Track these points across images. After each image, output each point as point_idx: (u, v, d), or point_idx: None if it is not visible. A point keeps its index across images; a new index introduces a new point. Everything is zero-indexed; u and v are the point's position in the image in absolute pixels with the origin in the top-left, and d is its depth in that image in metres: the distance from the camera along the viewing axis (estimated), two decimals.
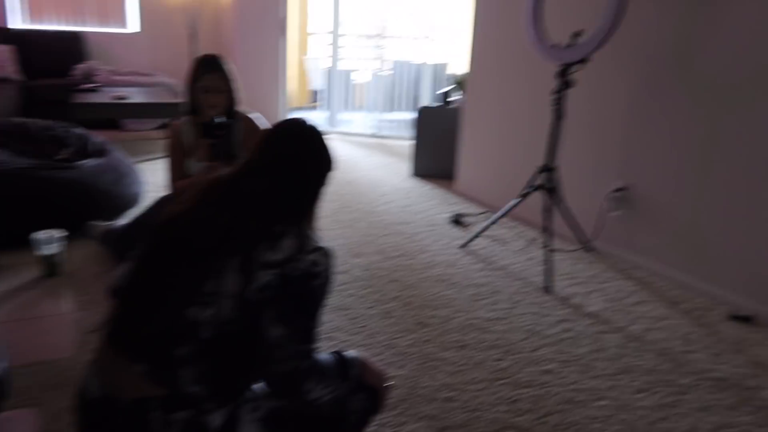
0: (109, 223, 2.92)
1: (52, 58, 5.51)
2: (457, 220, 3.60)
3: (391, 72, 7.01)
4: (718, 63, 2.60)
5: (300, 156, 1.24)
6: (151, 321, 1.10)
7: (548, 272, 2.74)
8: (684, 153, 2.78)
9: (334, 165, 1.30)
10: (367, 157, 5.39)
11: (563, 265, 2.99)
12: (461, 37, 5.67)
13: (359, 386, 1.31)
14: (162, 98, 4.92)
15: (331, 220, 3.50)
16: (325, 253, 1.16)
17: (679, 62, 2.76)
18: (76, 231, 2.81)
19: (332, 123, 6.77)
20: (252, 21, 6.10)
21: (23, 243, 2.57)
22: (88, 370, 1.17)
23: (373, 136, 6.40)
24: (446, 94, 4.68)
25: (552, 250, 2.84)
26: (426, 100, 6.66)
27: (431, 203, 3.99)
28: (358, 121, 7.17)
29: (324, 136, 1.29)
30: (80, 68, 5.39)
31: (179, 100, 3.00)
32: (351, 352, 1.34)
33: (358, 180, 4.49)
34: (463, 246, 3.19)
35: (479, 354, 2.14)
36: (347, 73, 7.22)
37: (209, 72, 2.36)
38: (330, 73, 6.80)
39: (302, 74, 7.82)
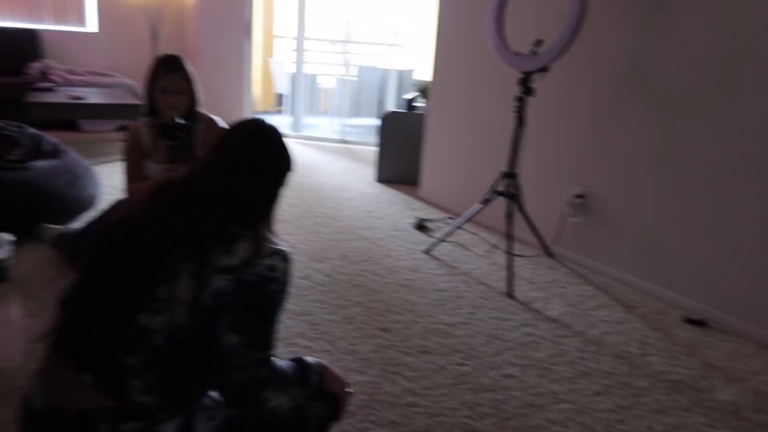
0: (63, 226, 2.83)
1: (5, 55, 5.31)
2: (421, 226, 3.61)
3: (356, 78, 7.01)
4: (672, 75, 2.68)
5: (257, 157, 1.21)
6: (99, 329, 1.05)
7: (510, 277, 2.77)
8: (640, 161, 2.85)
9: (292, 166, 1.27)
10: (332, 162, 5.37)
11: (525, 270, 3.02)
12: (427, 43, 5.71)
13: (320, 393, 1.29)
14: (121, 99, 4.81)
15: (294, 225, 3.46)
16: (282, 257, 1.13)
17: (636, 74, 2.83)
18: (27, 234, 2.71)
19: (297, 127, 6.72)
20: (216, 22, 6.01)
21: None
22: (33, 380, 1.12)
23: (338, 141, 6.38)
24: (411, 100, 4.70)
25: (513, 256, 2.87)
26: (392, 106, 6.68)
27: (395, 209, 4.00)
28: (324, 126, 7.15)
29: (282, 137, 1.26)
30: (35, 67, 5.21)
31: (139, 101, 2.93)
32: (311, 359, 1.32)
33: (322, 185, 4.46)
34: (427, 251, 3.20)
35: (441, 359, 2.14)
36: (313, 77, 7.19)
37: (169, 72, 2.31)
38: (295, 77, 6.76)
39: (267, 77, 7.74)
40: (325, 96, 7.70)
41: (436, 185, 4.21)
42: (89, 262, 1.13)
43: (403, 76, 6.99)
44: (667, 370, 2.20)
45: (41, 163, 3.10)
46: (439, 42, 4.08)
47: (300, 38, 6.51)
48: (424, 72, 5.92)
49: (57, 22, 6.03)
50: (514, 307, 2.62)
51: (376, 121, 4.87)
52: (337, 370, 1.36)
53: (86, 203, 3.22)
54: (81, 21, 6.12)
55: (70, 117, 4.86)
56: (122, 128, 4.52)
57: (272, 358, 1.15)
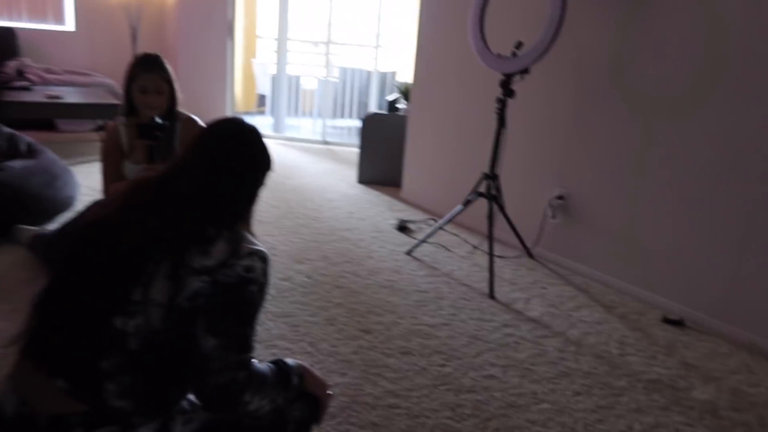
0: (39, 227, 2.78)
1: None
2: (403, 227, 3.61)
3: (338, 79, 6.99)
4: (651, 78, 2.72)
5: (235, 156, 1.19)
6: (73, 332, 1.03)
7: (491, 278, 2.78)
8: (619, 163, 2.88)
9: (271, 166, 1.26)
10: (314, 163, 5.35)
11: (506, 271, 3.04)
12: (409, 45, 5.72)
13: (300, 395, 1.28)
14: (100, 98, 4.75)
15: (275, 226, 3.44)
16: (260, 258, 1.11)
17: (615, 76, 2.86)
18: (2, 236, 2.65)
19: (279, 129, 6.69)
20: (198, 22, 5.96)
21: None
22: (4, 385, 1.09)
23: (320, 142, 6.36)
24: (393, 102, 4.70)
25: (495, 257, 2.88)
26: (374, 107, 6.68)
27: (377, 210, 3.99)
28: (305, 127, 7.12)
29: (261, 136, 1.25)
30: (11, 65, 5.12)
31: (118, 101, 2.89)
32: (292, 360, 1.30)
33: (304, 186, 4.44)
34: (409, 252, 3.19)
35: (423, 360, 2.14)
36: (296, 78, 7.15)
37: (147, 71, 2.28)
38: (276, 78, 6.73)
39: (249, 78, 7.69)
40: (307, 97, 7.67)
41: (418, 186, 4.22)
42: (62, 263, 1.10)
43: (385, 78, 6.99)
44: (645, 369, 2.22)
45: (16, 163, 3.04)
46: (420, 44, 4.09)
47: (282, 39, 6.47)
48: (407, 74, 5.93)
49: (34, 20, 5.94)
50: (495, 308, 2.62)
51: (358, 123, 4.86)
52: (317, 372, 1.35)
53: (63, 204, 3.17)
54: (59, 19, 6.03)
55: (46, 116, 4.79)
56: (101, 128, 4.46)
57: (251, 360, 1.13)
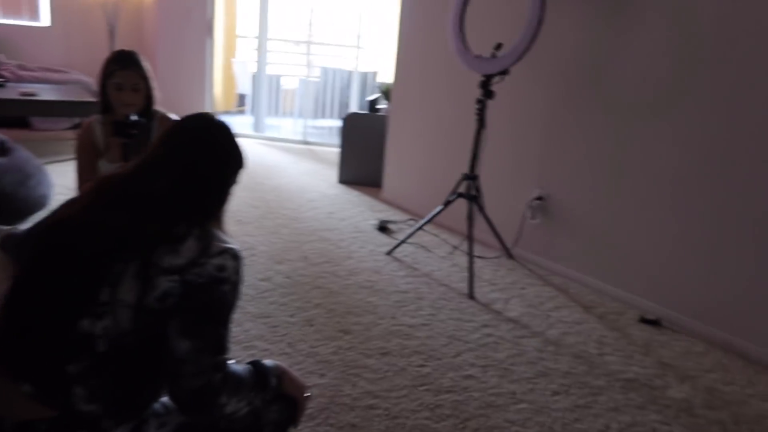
0: (11, 227, 2.71)
1: None
2: (383, 227, 3.60)
3: (319, 79, 6.97)
4: (626, 81, 2.74)
5: (204, 153, 1.16)
6: (38, 335, 0.99)
7: (471, 279, 2.79)
8: (596, 164, 2.91)
9: (243, 163, 1.23)
10: (294, 163, 5.32)
11: (485, 272, 3.05)
12: (390, 46, 5.72)
13: (277, 397, 1.26)
14: (75, 96, 4.65)
15: (255, 226, 3.41)
16: (232, 256, 1.08)
17: (592, 79, 2.89)
18: None
19: (259, 128, 6.64)
20: (176, 20, 5.89)
21: None
22: None
23: (301, 142, 6.33)
24: (373, 102, 4.70)
25: (474, 257, 2.89)
26: (355, 107, 6.66)
27: (357, 210, 3.98)
28: (286, 127, 7.08)
29: (233, 133, 1.22)
30: None
31: (95, 98, 2.84)
32: (270, 361, 1.28)
33: (284, 186, 4.41)
34: (389, 253, 3.19)
35: (402, 360, 2.13)
36: (276, 78, 7.11)
37: (123, 68, 2.23)
38: (257, 77, 6.68)
39: (229, 78, 7.62)
40: (287, 97, 7.63)
41: (399, 187, 4.21)
42: (26, 265, 1.07)
43: (366, 78, 6.98)
44: (623, 369, 2.24)
45: None
46: (400, 44, 4.09)
47: (262, 38, 6.43)
48: (388, 74, 5.93)
49: (7, 15, 5.82)
50: (474, 309, 2.63)
51: (339, 123, 4.85)
52: (295, 373, 1.33)
53: (37, 203, 3.10)
54: (33, 15, 5.92)
55: (20, 114, 4.69)
56: (77, 126, 4.38)
57: (226, 362, 1.11)
